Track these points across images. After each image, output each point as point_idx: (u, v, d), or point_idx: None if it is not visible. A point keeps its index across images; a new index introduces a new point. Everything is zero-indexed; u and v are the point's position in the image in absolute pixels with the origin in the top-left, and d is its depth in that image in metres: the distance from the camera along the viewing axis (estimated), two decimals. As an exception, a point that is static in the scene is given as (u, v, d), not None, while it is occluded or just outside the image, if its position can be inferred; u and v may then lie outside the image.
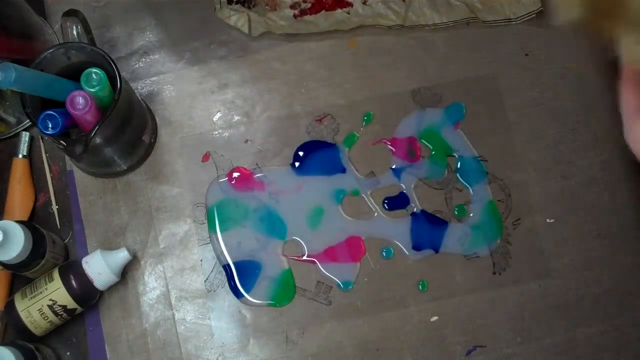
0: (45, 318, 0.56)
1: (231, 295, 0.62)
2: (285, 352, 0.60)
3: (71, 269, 0.57)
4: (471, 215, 0.63)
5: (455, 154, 0.64)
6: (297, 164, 0.64)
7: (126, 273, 0.61)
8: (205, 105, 0.66)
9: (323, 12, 0.66)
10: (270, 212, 0.63)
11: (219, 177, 0.64)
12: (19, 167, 0.63)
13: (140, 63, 0.67)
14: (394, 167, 0.64)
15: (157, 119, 0.65)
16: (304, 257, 0.62)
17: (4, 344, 0.54)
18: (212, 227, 0.63)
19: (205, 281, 0.62)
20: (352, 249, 0.63)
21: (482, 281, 0.62)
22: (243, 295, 0.62)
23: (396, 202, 0.63)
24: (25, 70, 0.50)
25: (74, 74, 0.55)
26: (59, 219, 0.63)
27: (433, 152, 0.64)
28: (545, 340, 0.61)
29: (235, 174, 0.64)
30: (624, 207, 0.63)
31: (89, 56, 0.56)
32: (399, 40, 0.66)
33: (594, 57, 0.65)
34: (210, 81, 0.66)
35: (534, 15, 0.65)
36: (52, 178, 0.64)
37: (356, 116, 0.65)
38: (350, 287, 0.62)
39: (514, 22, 0.66)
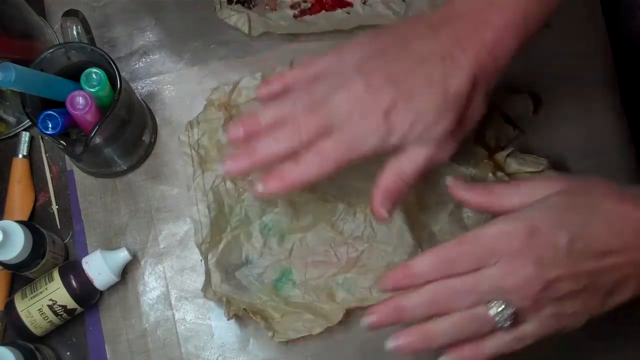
0: (45, 318, 0.56)
1: (231, 295, 0.61)
2: (285, 352, 0.60)
3: (71, 269, 0.57)
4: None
5: (455, 154, 0.64)
6: (297, 164, 0.64)
7: (126, 273, 0.61)
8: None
9: (323, 12, 0.66)
10: (270, 212, 0.63)
11: (219, 177, 0.64)
12: (19, 167, 0.63)
13: (140, 63, 0.67)
14: (394, 167, 0.64)
15: (157, 119, 0.65)
16: (304, 257, 0.62)
17: (4, 344, 0.54)
18: (212, 227, 0.63)
19: (205, 281, 0.62)
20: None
21: (482, 281, 0.61)
22: (243, 295, 0.61)
23: (396, 202, 0.63)
24: (25, 70, 0.50)
25: (74, 74, 0.55)
26: (59, 219, 0.63)
27: (433, 152, 0.64)
28: (546, 340, 0.61)
29: (235, 174, 0.64)
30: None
31: (89, 56, 0.56)
32: (399, 40, 0.66)
33: (593, 59, 0.66)
34: (210, 81, 0.66)
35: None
36: (52, 178, 0.64)
37: (356, 116, 0.65)
38: (350, 287, 0.62)
39: (514, 22, 0.66)
